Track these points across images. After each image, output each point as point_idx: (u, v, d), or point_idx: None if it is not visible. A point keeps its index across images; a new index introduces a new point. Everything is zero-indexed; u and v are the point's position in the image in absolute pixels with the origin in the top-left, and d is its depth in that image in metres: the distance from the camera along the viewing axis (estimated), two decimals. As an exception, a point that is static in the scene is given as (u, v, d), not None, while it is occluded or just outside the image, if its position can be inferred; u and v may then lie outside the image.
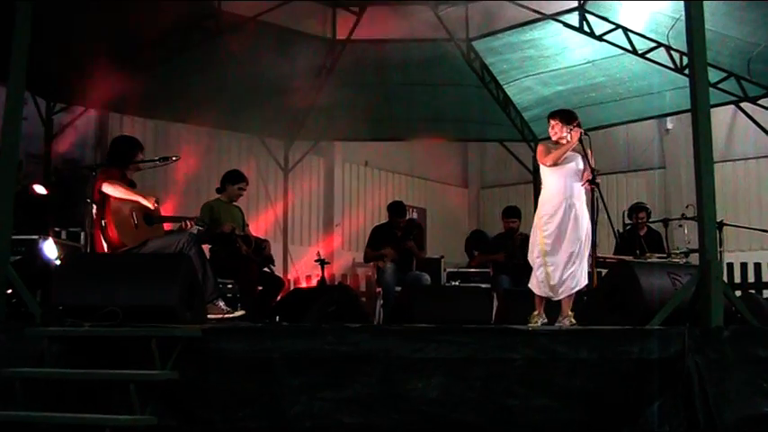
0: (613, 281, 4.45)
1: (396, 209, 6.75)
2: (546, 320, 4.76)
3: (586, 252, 4.72)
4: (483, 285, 6.79)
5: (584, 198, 4.78)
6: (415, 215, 12.55)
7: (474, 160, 14.29)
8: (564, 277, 4.63)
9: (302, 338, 3.30)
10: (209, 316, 4.23)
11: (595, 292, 4.83)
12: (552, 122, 4.86)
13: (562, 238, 4.65)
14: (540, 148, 4.91)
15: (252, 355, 3.27)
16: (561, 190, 4.71)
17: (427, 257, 7.30)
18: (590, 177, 4.75)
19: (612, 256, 6.35)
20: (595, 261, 5.04)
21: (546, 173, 4.80)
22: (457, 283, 7.33)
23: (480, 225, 12.75)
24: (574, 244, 4.64)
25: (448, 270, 7.79)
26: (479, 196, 14.21)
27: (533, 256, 4.76)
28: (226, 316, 4.37)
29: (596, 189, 4.80)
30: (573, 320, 4.62)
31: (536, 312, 4.78)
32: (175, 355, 3.20)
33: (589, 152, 4.76)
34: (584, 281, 4.71)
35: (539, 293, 4.76)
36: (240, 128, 9.99)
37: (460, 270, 7.76)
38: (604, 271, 5.63)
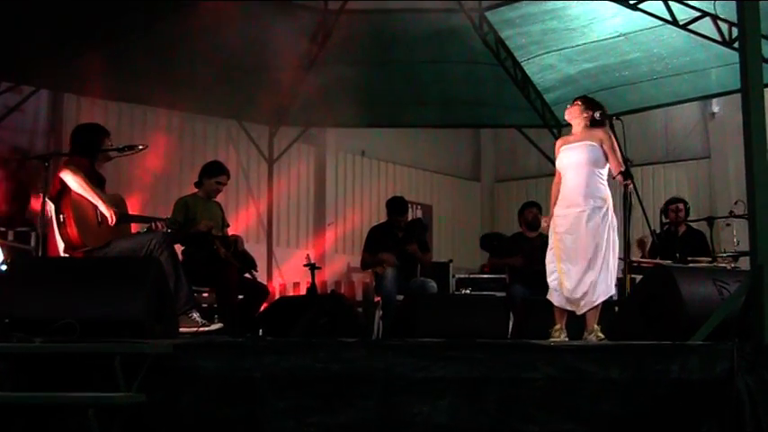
0: (649, 288, 4.45)
1: (395, 206, 6.76)
2: (567, 337, 4.78)
3: (613, 259, 4.70)
4: (498, 294, 6.80)
5: (607, 194, 4.78)
6: (419, 213, 12.55)
7: (487, 149, 14.29)
8: (582, 288, 4.65)
9: (289, 355, 3.29)
10: (181, 329, 4.24)
11: (628, 301, 4.84)
12: (576, 102, 4.95)
13: (577, 242, 4.67)
14: (556, 144, 4.99)
15: (231, 374, 3.26)
16: (575, 186, 4.75)
17: (433, 262, 7.31)
18: (621, 169, 4.75)
19: (648, 260, 6.35)
20: (628, 266, 5.05)
21: (559, 167, 4.88)
22: (468, 292, 7.34)
23: (495, 224, 12.76)
24: (589, 249, 4.64)
25: (457, 276, 7.81)
26: (494, 191, 14.22)
27: (547, 260, 4.83)
28: (201, 329, 4.38)
29: (630, 183, 4.80)
30: (600, 335, 4.63)
31: (557, 326, 4.80)
32: (142, 374, 3.20)
33: (612, 142, 4.79)
34: (607, 291, 4.69)
35: (556, 304, 4.79)
36: (217, 112, 9.99)
37: (472, 276, 7.77)
38: (638, 277, 5.65)
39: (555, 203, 4.87)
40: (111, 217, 4.36)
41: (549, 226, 4.88)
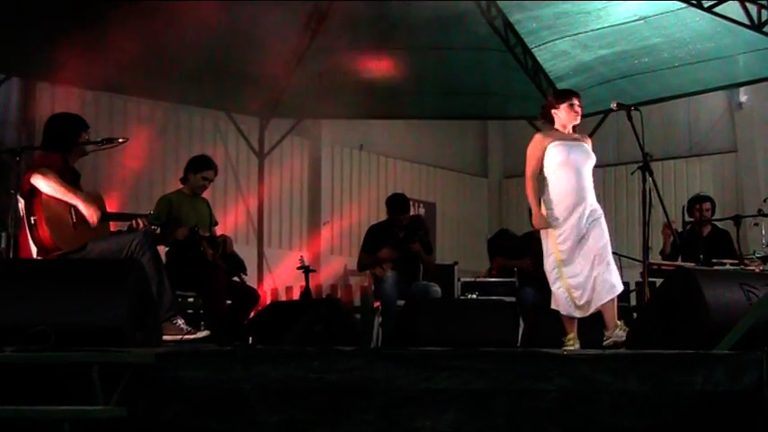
0: (670, 293, 4.44)
1: (396, 204, 6.76)
2: (578, 345, 4.83)
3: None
4: (507, 299, 6.81)
5: (592, 191, 4.91)
6: (421, 211, 12.55)
7: (495, 143, 14.32)
8: (592, 285, 4.72)
9: (281, 365, 3.29)
10: (164, 337, 4.24)
11: (647, 307, 4.85)
12: (576, 101, 5.00)
13: (582, 244, 4.77)
14: (536, 138, 4.98)
15: (219, 385, 3.26)
16: (574, 187, 4.82)
17: (437, 264, 7.31)
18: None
19: (669, 263, 6.35)
20: (647, 269, 5.06)
21: (551, 167, 4.89)
22: (474, 296, 7.34)
23: (503, 223, 12.77)
24: (597, 247, 4.76)
25: (463, 280, 7.81)
26: (502, 187, 14.24)
27: (548, 267, 4.88)
28: (186, 337, 4.38)
29: (649, 178, 4.82)
30: (626, 328, 4.70)
31: (570, 336, 4.87)
32: (122, 386, 3.19)
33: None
34: (619, 285, 4.81)
35: (564, 313, 4.86)
36: (204, 102, 9.99)
37: (478, 280, 7.78)
38: (659, 281, 5.65)
39: (538, 203, 4.88)
40: (93, 216, 4.33)
41: (542, 230, 4.89)
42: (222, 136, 10.74)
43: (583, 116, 5.03)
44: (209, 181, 5.83)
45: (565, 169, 4.85)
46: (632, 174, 4.88)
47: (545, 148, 4.89)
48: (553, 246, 4.83)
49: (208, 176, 5.79)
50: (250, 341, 5.76)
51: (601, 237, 4.78)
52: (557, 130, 4.96)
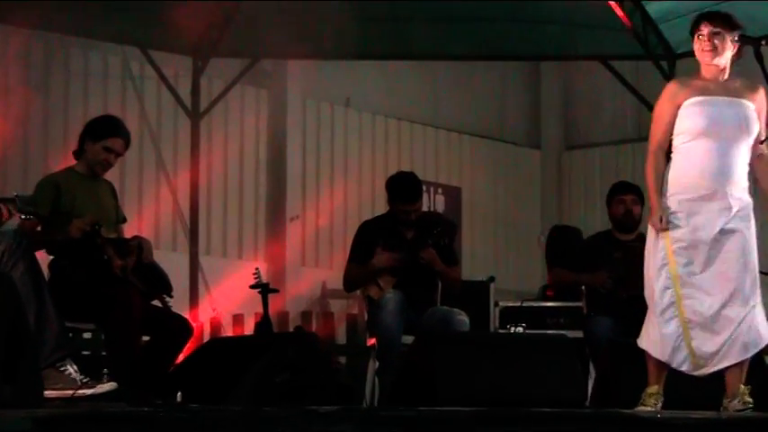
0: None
1: (401, 188, 6.75)
2: (660, 405, 4.81)
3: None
4: (570, 333, 6.82)
5: (744, 178, 4.83)
6: (440, 200, 12.56)
7: (551, 98, 14.32)
8: (725, 332, 4.67)
9: (226, 434, 3.29)
10: (47, 393, 4.23)
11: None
12: (702, 29, 4.84)
13: (713, 257, 4.72)
14: (668, 89, 4.92)
15: (130, 466, 3.26)
16: (724, 165, 4.76)
17: (464, 280, 7.32)
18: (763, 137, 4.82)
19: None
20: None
21: (682, 133, 4.83)
22: (520, 329, 7.36)
23: (565, 217, 12.78)
24: (741, 267, 4.71)
25: (502, 304, 7.82)
26: (562, 164, 14.26)
27: (659, 284, 4.81)
28: (81, 392, 4.37)
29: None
30: (747, 399, 4.68)
31: (653, 389, 4.85)
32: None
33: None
34: (767, 334, 4.76)
35: (659, 356, 4.82)
36: (107, 33, 9.97)
37: (527, 305, 7.78)
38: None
39: (658, 189, 4.83)
40: None
41: (659, 228, 4.81)
42: (136, 85, 10.74)
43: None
44: (117, 154, 5.83)
45: (699, 137, 4.79)
46: (753, 151, 4.87)
47: (678, 107, 4.82)
48: (667, 250, 4.76)
49: (114, 147, 5.78)
50: (179, 398, 5.77)
51: (743, 253, 4.70)
52: (700, 77, 4.87)
